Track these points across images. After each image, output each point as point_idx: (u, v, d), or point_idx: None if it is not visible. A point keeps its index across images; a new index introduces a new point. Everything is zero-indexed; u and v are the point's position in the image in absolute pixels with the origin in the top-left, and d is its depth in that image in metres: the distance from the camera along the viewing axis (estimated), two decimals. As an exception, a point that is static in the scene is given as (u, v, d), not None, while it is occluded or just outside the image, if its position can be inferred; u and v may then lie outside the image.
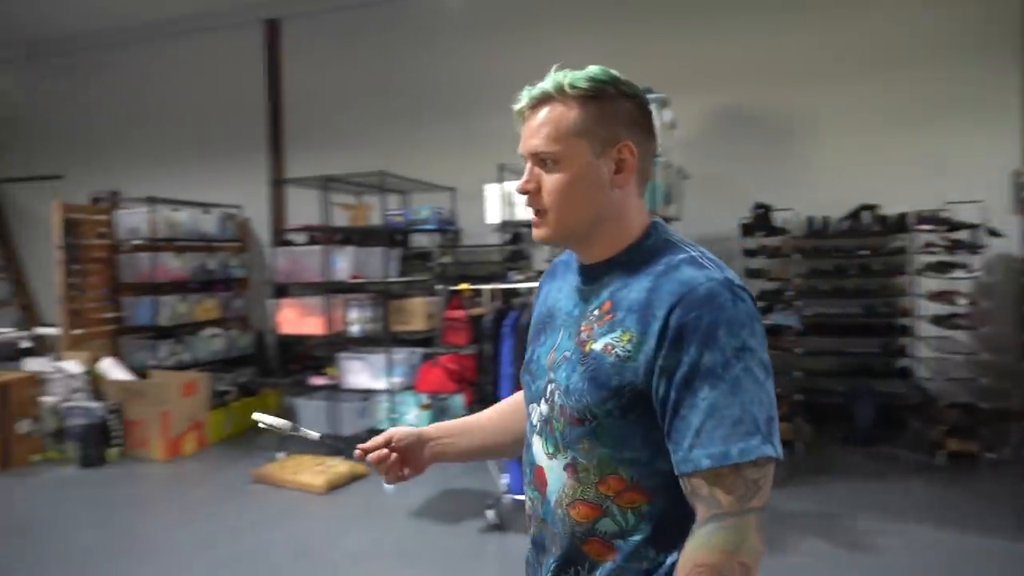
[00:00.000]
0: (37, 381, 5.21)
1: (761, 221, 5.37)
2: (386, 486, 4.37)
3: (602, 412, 0.93)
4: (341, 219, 5.55)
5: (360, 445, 1.18)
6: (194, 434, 5.32)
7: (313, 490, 4.31)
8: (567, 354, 0.99)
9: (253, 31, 7.42)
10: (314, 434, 1.23)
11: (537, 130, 0.98)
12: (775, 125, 5.78)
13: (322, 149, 7.07)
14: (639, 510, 0.94)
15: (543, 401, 1.02)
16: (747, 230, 5.43)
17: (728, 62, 5.85)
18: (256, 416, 1.26)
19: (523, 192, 1.01)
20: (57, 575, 3.30)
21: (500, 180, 4.25)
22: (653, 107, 3.90)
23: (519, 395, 1.24)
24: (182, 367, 5.90)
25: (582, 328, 0.99)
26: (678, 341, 0.88)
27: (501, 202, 4.23)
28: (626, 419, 0.92)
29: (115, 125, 8.23)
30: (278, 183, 7.22)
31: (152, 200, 5.99)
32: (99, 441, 5.01)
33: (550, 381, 1.01)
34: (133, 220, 6.09)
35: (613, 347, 0.93)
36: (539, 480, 1.03)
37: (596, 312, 0.99)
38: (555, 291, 1.12)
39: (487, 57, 6.28)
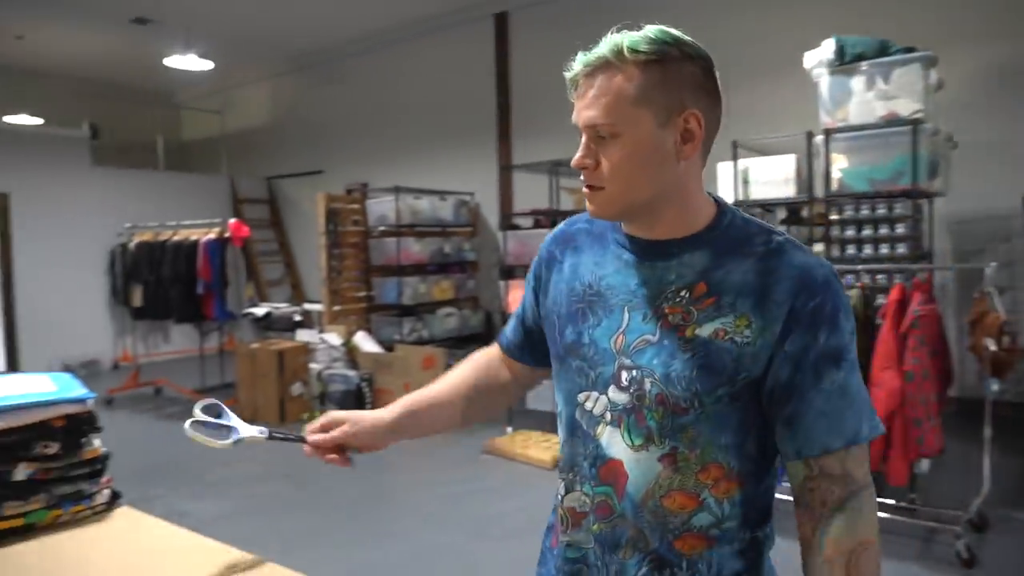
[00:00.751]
0: (306, 350, 5.98)
1: (1052, 194, 4.55)
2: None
3: (711, 399, 0.89)
4: (567, 202, 5.65)
5: (310, 439, 1.13)
6: (432, 404, 5.77)
7: (540, 464, 4.47)
8: (650, 338, 0.92)
9: (484, 26, 7.79)
10: (260, 434, 1.12)
11: (594, 101, 0.89)
12: (1073, 79, 4.85)
13: (548, 134, 7.23)
14: (733, 498, 0.93)
15: (614, 389, 0.94)
16: (1033, 205, 4.63)
17: (1008, 4, 5.00)
18: (188, 430, 1.07)
19: (579, 167, 0.93)
20: (327, 517, 3.77)
21: (734, 158, 4.03)
22: (916, 68, 3.47)
23: (471, 363, 1.21)
24: (422, 342, 6.41)
25: (666, 310, 0.92)
26: (806, 326, 0.87)
27: (735, 181, 4.02)
28: (732, 405, 0.90)
29: (364, 122, 9.13)
30: (506, 169, 7.53)
31: (397, 189, 6.55)
32: (354, 405, 5.63)
33: (627, 368, 0.93)
34: (381, 208, 6.72)
35: (727, 333, 0.89)
36: (611, 474, 0.95)
37: (685, 294, 0.92)
38: (591, 264, 1.01)
39: (710, 31, 5.99)
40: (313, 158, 9.77)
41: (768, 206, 4.23)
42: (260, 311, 6.55)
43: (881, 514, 2.07)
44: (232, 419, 1.12)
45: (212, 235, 6.24)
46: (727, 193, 4.06)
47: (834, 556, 0.87)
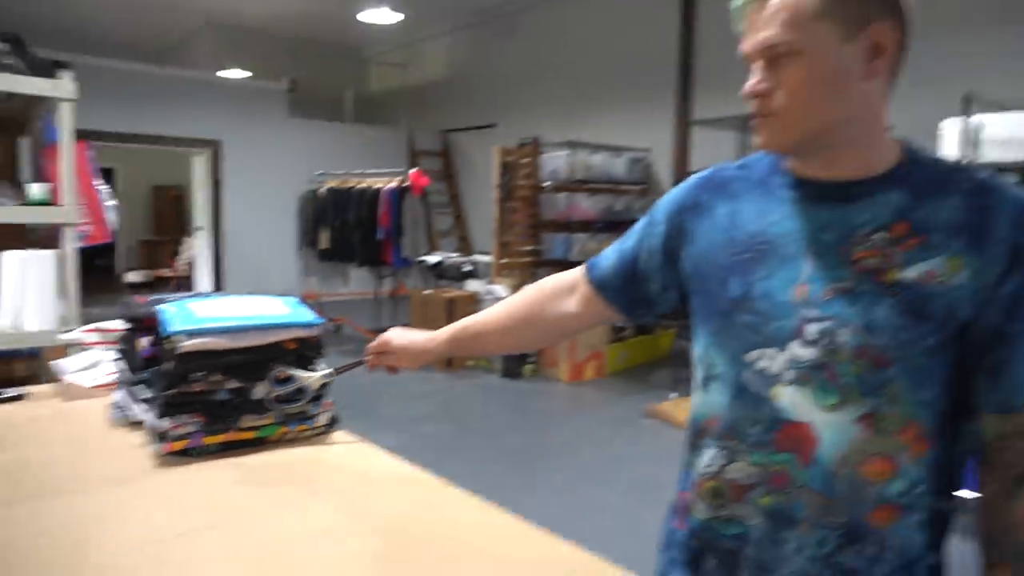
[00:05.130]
0: (474, 300, 6.13)
1: None
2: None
3: (918, 350, 0.81)
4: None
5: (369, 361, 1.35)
6: (594, 363, 5.73)
7: (706, 435, 4.27)
8: (843, 285, 0.84)
9: (670, -27, 7.38)
10: (327, 370, 1.39)
11: (770, 19, 0.82)
12: None
13: (734, 89, 6.80)
14: (924, 460, 0.84)
15: (798, 343, 0.85)
16: None
17: None
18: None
19: (755, 94, 0.85)
20: (487, 464, 3.87)
21: (966, 114, 3.50)
22: None
23: (536, 291, 1.17)
24: (586, 300, 6.32)
25: (859, 255, 0.83)
26: None
27: (961, 140, 3.51)
28: (936, 356, 0.81)
29: (538, 76, 9.08)
30: (686, 125, 7.18)
31: (572, 144, 6.46)
32: (519, 357, 5.72)
33: (814, 320, 0.84)
34: (553, 163, 6.67)
35: (937, 275, 0.80)
36: (793, 440, 0.85)
37: (882, 235, 0.83)
38: (754, 212, 0.92)
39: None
40: (486, 112, 9.90)
41: (1002, 169, 3.68)
42: (433, 259, 6.79)
43: None
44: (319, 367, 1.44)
45: (393, 184, 6.52)
46: (950, 154, 3.57)
47: None
